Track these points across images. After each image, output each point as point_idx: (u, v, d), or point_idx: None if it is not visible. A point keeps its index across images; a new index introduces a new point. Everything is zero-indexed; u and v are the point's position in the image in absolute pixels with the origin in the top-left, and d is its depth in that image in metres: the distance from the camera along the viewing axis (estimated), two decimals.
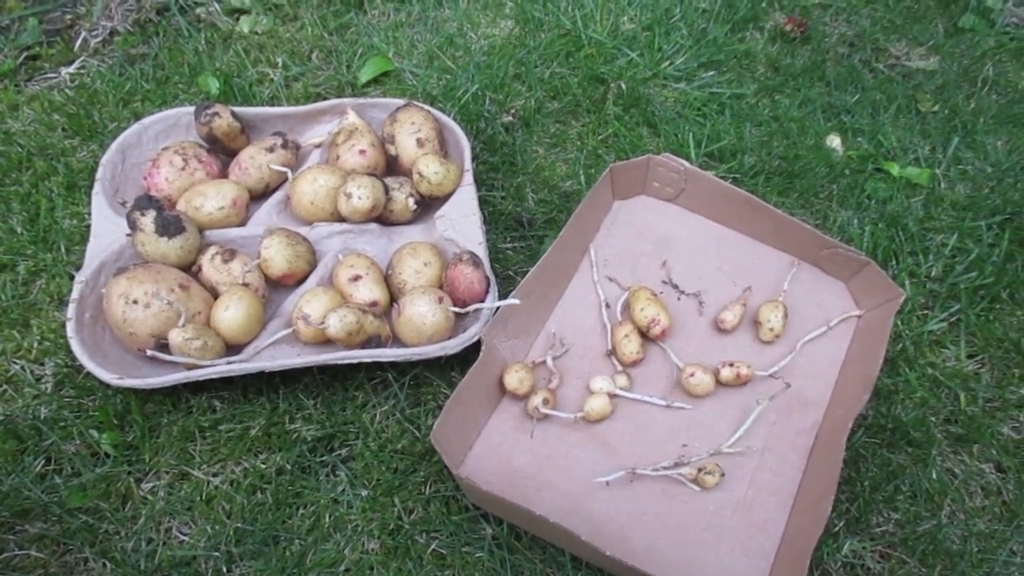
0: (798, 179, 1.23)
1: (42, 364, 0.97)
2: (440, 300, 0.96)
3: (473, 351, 0.95)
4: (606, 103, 1.30)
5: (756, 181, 1.22)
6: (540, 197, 1.19)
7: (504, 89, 1.29)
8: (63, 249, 1.06)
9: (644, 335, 1.01)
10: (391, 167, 1.13)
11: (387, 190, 1.06)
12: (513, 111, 1.27)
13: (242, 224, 1.07)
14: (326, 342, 0.96)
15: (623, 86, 1.32)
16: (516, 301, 0.93)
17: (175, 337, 0.89)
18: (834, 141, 1.30)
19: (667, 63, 1.37)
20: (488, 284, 1.00)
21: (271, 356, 0.95)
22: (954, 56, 1.46)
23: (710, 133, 1.27)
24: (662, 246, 1.09)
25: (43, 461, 0.90)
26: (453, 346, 0.95)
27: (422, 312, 0.95)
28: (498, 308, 0.95)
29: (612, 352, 1.00)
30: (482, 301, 0.99)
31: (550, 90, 1.31)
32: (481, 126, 1.24)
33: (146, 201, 0.97)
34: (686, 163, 1.06)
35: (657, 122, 1.28)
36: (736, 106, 1.34)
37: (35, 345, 0.98)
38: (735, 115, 1.32)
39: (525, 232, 1.14)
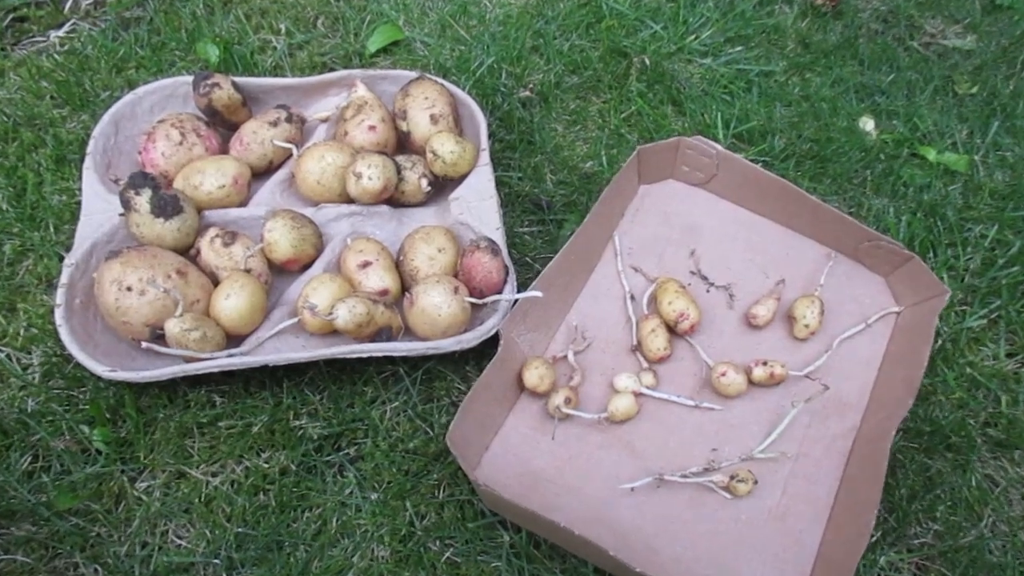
0: (831, 164, 1.16)
1: (29, 352, 0.91)
2: (456, 290, 0.90)
3: (490, 345, 0.89)
4: (629, 79, 1.23)
5: (787, 165, 1.15)
6: (559, 178, 1.12)
7: (521, 62, 1.22)
8: (52, 228, 0.99)
9: (672, 330, 0.95)
10: (402, 144, 1.06)
11: (399, 170, 0.99)
12: (531, 86, 1.19)
13: (243, 204, 1.00)
14: (333, 332, 0.90)
15: (647, 61, 1.25)
16: (538, 294, 0.87)
17: (172, 327, 0.83)
18: (867, 123, 1.24)
19: (692, 37, 1.30)
20: (507, 273, 0.93)
21: (275, 348, 0.89)
22: (992, 35, 1.39)
23: (738, 113, 1.20)
24: (690, 234, 1.03)
25: (30, 458, 0.84)
26: (470, 340, 0.89)
27: (436, 303, 0.88)
28: (517, 300, 0.88)
29: (637, 347, 0.94)
30: (500, 291, 0.93)
31: (569, 64, 1.24)
32: (497, 101, 1.17)
33: (141, 179, 0.90)
34: (719, 146, 0.99)
35: (683, 100, 1.21)
36: (764, 84, 1.27)
37: (21, 331, 0.92)
38: (763, 94, 1.25)
39: (543, 216, 1.08)
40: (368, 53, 1.22)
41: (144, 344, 0.82)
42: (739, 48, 1.30)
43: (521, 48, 1.23)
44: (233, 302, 0.86)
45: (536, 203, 1.09)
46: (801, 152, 1.17)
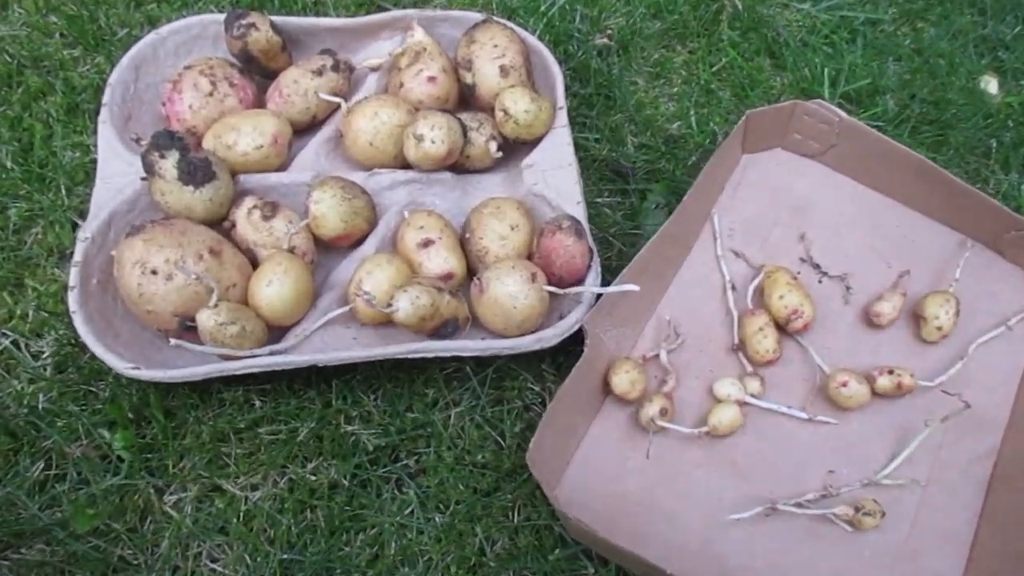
0: (951, 131, 1.01)
1: (40, 337, 0.79)
2: (533, 277, 0.76)
3: (567, 340, 0.76)
4: (719, 25, 1.07)
5: (900, 131, 1.00)
6: (641, 141, 0.97)
7: (597, 3, 1.06)
8: (63, 189, 0.86)
9: (780, 328, 0.81)
10: (464, 99, 0.92)
11: (465, 131, 0.85)
12: (609, 32, 1.04)
13: (283, 167, 0.86)
14: (389, 322, 0.77)
15: (738, 4, 1.08)
16: (634, 287, 0.73)
17: (206, 321, 0.70)
18: (990, 83, 1.08)
19: None
20: (591, 258, 0.80)
21: (323, 342, 0.76)
22: None
23: (840, 67, 1.05)
24: (800, 214, 0.89)
25: (42, 464, 0.73)
26: (551, 337, 0.76)
27: (512, 292, 0.75)
28: (603, 293, 0.75)
29: (740, 347, 0.81)
30: (583, 278, 0.80)
31: (651, 6, 1.08)
32: (570, 49, 1.02)
33: (167, 139, 0.76)
34: (842, 113, 0.84)
35: (782, 52, 1.05)
36: (870, 34, 1.10)
37: (30, 313, 0.80)
38: (869, 45, 1.09)
39: (624, 185, 0.94)
40: None
41: (173, 341, 0.69)
42: None
43: None
44: (276, 289, 0.73)
45: (617, 170, 0.95)
46: (915, 117, 1.02)
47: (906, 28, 1.12)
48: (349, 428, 0.77)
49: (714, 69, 1.03)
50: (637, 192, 0.94)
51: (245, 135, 0.82)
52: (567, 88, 0.96)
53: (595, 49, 1.02)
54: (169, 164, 0.75)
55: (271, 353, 0.73)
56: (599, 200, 0.93)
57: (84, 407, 0.75)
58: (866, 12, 1.12)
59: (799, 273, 0.85)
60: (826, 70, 1.02)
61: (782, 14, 1.10)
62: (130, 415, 0.75)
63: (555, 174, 0.85)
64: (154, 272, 0.71)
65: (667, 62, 1.04)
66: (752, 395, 0.78)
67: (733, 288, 0.84)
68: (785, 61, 1.05)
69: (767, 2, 1.10)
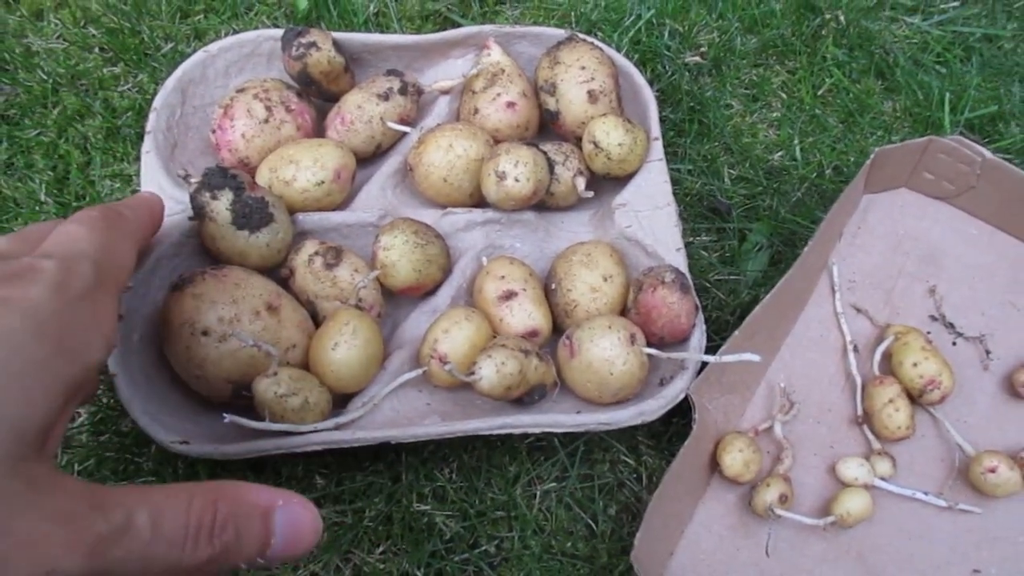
0: None
1: None
2: (633, 339, 0.67)
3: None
4: (821, 42, 0.96)
5: None
6: (739, 173, 0.87)
7: (687, 16, 0.96)
8: None
9: (912, 399, 0.71)
10: (545, 126, 0.82)
11: (551, 167, 0.75)
12: (703, 49, 0.93)
13: (345, 204, 0.77)
14: (466, 385, 0.67)
15: (842, 18, 0.98)
16: (755, 357, 0.63)
17: (264, 391, 0.61)
18: None
19: None
20: (697, 315, 0.70)
21: (393, 409, 0.67)
22: None
23: (958, 90, 0.93)
24: (929, 264, 0.78)
25: None
26: (654, 411, 0.66)
27: (608, 357, 0.66)
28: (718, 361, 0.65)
29: (865, 420, 0.71)
30: (687, 339, 0.70)
31: (745, 19, 0.97)
32: (659, 69, 0.92)
33: (219, 177, 0.67)
34: (987, 152, 0.73)
35: (892, 72, 0.94)
36: (987, 52, 0.99)
37: None
38: (987, 65, 0.98)
39: (721, 223, 0.84)
40: None
41: (227, 418, 0.60)
42: (954, 3, 1.02)
43: None
44: (343, 354, 0.64)
45: (714, 207, 0.85)
46: None
47: None
48: (421, 508, 0.67)
49: (819, 92, 0.93)
50: (735, 232, 0.83)
51: (305, 169, 0.73)
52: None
53: (686, 67, 0.92)
54: (222, 206, 0.66)
55: (337, 427, 0.63)
56: (694, 240, 0.83)
57: (124, 479, 0.66)
58: (983, 27, 1.00)
59: (929, 333, 0.74)
60: (947, 94, 0.91)
61: (890, 29, 0.99)
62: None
63: (651, 216, 0.76)
64: (205, 333, 0.62)
65: (765, 83, 0.93)
66: (882, 478, 0.68)
67: (856, 350, 0.74)
68: (897, 83, 0.94)
69: (873, 16, 0.99)
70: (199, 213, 0.67)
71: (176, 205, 0.71)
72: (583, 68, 0.78)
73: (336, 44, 0.77)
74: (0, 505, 0.33)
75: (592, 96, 0.77)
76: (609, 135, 0.75)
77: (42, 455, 0.36)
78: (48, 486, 0.35)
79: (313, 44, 0.76)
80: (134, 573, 0.36)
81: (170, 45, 0.88)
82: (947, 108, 0.91)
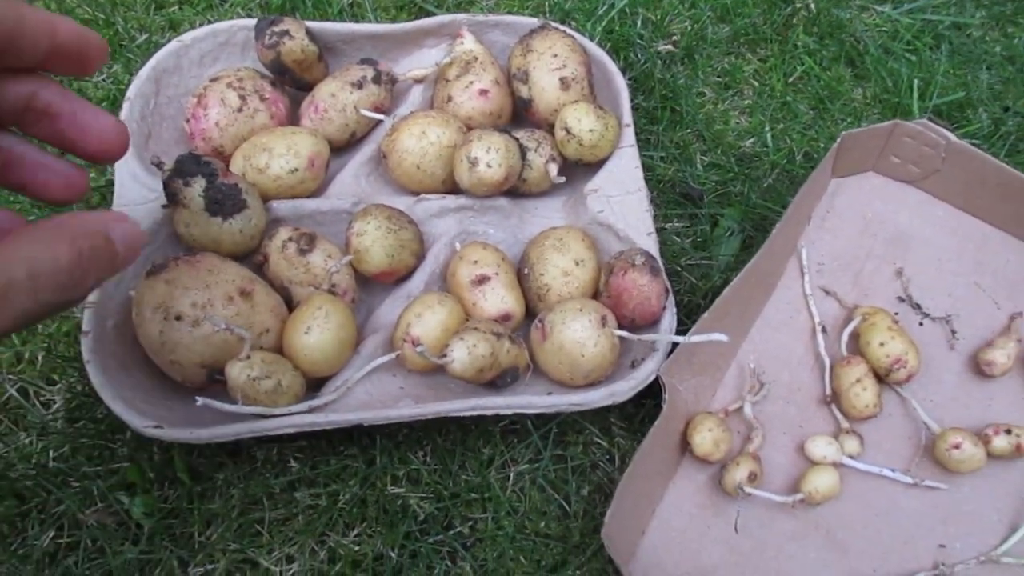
0: None
1: (51, 384, 0.70)
2: (604, 321, 0.67)
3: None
4: (792, 30, 0.97)
5: (996, 150, 0.90)
6: (711, 160, 0.88)
7: (658, 5, 0.97)
8: None
9: (880, 379, 0.72)
10: (518, 114, 0.83)
11: (523, 153, 0.76)
12: (675, 37, 0.94)
13: (319, 191, 0.77)
14: (439, 368, 0.68)
15: (812, 7, 0.99)
16: (723, 337, 0.64)
17: (237, 374, 0.62)
18: None
19: None
20: (667, 298, 0.71)
21: (367, 393, 0.68)
22: None
23: (926, 77, 0.95)
24: (896, 246, 0.79)
25: (52, 532, 0.65)
26: (624, 392, 0.67)
27: (580, 339, 0.66)
28: (682, 342, 0.66)
29: (833, 400, 0.72)
30: (657, 321, 0.71)
31: (717, 7, 0.98)
32: (631, 57, 0.92)
33: (192, 163, 0.67)
34: (951, 135, 0.74)
35: (862, 60, 0.95)
36: (956, 40, 1.00)
37: (40, 356, 0.71)
38: (956, 52, 0.99)
39: (694, 209, 0.85)
40: None
41: (199, 400, 0.61)
42: None
43: None
44: (316, 338, 0.65)
45: (686, 193, 0.86)
46: (1013, 132, 0.92)
47: (996, 33, 1.03)
48: (396, 490, 0.68)
49: (790, 80, 0.94)
50: (708, 217, 0.84)
51: (278, 157, 0.73)
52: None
53: (658, 56, 0.93)
54: (194, 192, 0.67)
55: (310, 410, 0.64)
56: (666, 226, 0.84)
57: (99, 465, 0.67)
58: (952, 15, 1.02)
59: (896, 314, 0.75)
60: (915, 81, 0.92)
61: (860, 17, 1.00)
62: (151, 474, 0.66)
63: (623, 200, 0.76)
64: (178, 318, 0.63)
65: (736, 71, 0.94)
66: (850, 456, 0.69)
67: (824, 331, 0.75)
68: (866, 70, 0.95)
69: (843, 4, 1.01)
70: (172, 200, 0.68)
71: (150, 193, 0.72)
72: (555, 56, 0.78)
73: (309, 33, 0.78)
74: None
75: (564, 83, 0.78)
76: (580, 121, 0.75)
77: None
78: None
79: (286, 32, 0.76)
80: (37, 319, 0.39)
81: (144, 36, 0.88)
82: (915, 94, 0.92)
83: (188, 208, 0.67)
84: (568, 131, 0.76)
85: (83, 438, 0.68)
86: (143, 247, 0.54)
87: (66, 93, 0.46)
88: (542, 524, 0.68)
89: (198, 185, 0.67)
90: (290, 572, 0.65)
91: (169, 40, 0.82)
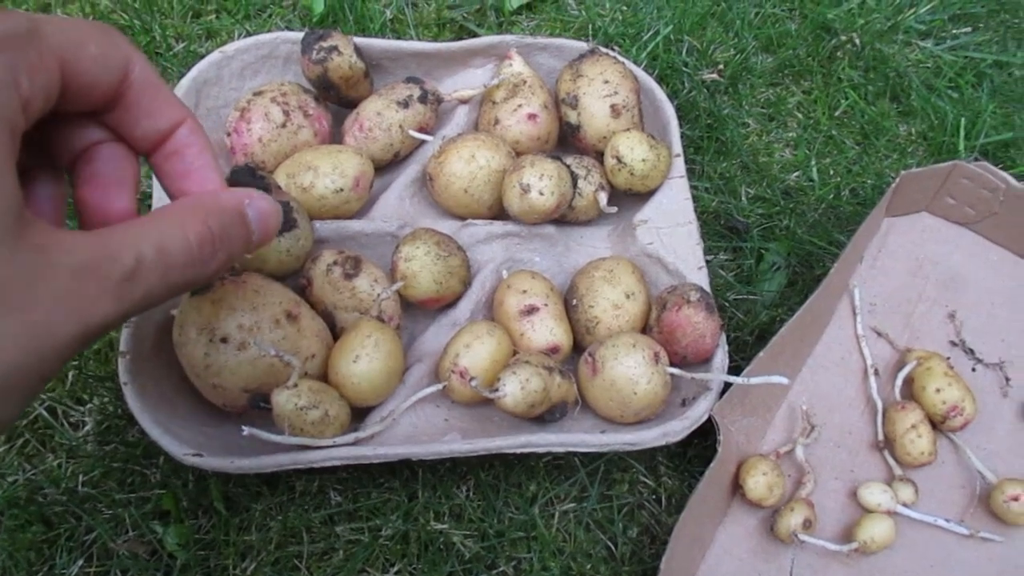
0: None
1: (81, 404, 0.68)
2: (656, 358, 0.66)
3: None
4: (836, 63, 0.96)
5: None
6: (756, 193, 0.87)
7: (704, 33, 0.95)
8: None
9: (934, 425, 0.70)
10: (565, 139, 0.81)
11: (575, 180, 0.74)
12: (720, 66, 0.93)
13: (362, 212, 0.75)
14: (486, 400, 0.66)
15: (857, 40, 0.98)
16: (784, 380, 0.62)
17: (284, 403, 0.59)
18: None
19: (909, 11, 1.02)
20: (721, 336, 0.69)
21: (412, 425, 0.65)
22: None
23: (970, 115, 0.94)
24: (949, 289, 0.78)
25: (81, 561, 0.62)
26: (678, 432, 0.65)
27: (632, 376, 0.64)
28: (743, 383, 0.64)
29: (886, 445, 0.70)
30: (710, 359, 0.69)
31: (761, 38, 0.97)
32: (676, 85, 0.91)
33: (247, 175, 0.65)
34: (1011, 179, 0.73)
35: (907, 96, 0.94)
36: (998, 78, 0.99)
37: (70, 374, 0.69)
38: (997, 91, 0.98)
39: (738, 243, 0.83)
40: (507, 8, 0.95)
41: (245, 430, 0.58)
42: (967, 29, 1.03)
43: (704, 14, 0.96)
44: (364, 367, 0.62)
45: (731, 226, 0.84)
46: None
47: None
48: (438, 527, 0.66)
49: (835, 113, 0.93)
50: (752, 251, 0.83)
51: (323, 176, 0.71)
52: None
53: (703, 84, 0.92)
54: None
55: (356, 442, 0.62)
56: (711, 259, 0.82)
57: (131, 491, 0.64)
58: (994, 54, 1.01)
59: (948, 358, 0.74)
60: (962, 119, 0.91)
61: (903, 52, 0.99)
62: (185, 503, 0.64)
63: (673, 233, 0.75)
64: (224, 340, 0.60)
65: (781, 103, 0.93)
66: (904, 504, 0.68)
67: (876, 373, 0.73)
68: (911, 106, 0.94)
69: (885, 38, 1.00)
70: None
71: None
72: (606, 82, 0.77)
73: (357, 49, 0.76)
74: (19, 277, 0.33)
75: (615, 110, 0.76)
76: (633, 150, 0.74)
77: (30, 223, 0.34)
78: (57, 247, 0.34)
79: (335, 48, 0.74)
80: (160, 300, 0.38)
81: (182, 44, 0.86)
82: (962, 133, 0.91)
83: None
84: (619, 159, 0.74)
85: (114, 462, 0.65)
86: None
87: (203, 149, 0.46)
88: (588, 567, 0.65)
89: None
90: None
91: (208, 50, 0.80)
